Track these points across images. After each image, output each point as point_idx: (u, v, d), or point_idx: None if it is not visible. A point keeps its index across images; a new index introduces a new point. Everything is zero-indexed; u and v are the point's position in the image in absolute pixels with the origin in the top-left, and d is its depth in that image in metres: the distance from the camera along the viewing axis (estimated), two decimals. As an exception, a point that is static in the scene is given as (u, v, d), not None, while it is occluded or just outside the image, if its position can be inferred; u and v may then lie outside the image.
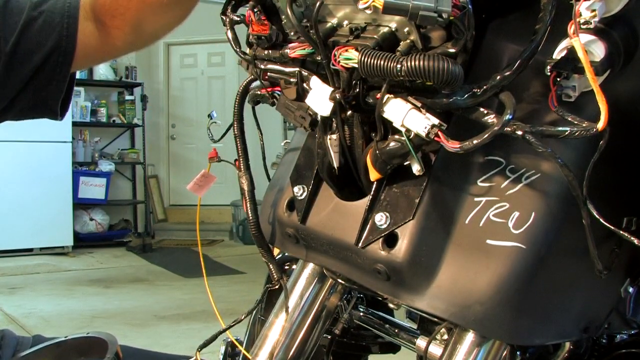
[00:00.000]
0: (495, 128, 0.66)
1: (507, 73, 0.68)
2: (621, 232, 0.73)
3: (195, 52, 9.45)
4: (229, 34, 0.89)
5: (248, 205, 0.99)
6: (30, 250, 7.50)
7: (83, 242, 8.01)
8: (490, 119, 0.69)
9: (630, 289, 0.89)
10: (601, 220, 0.71)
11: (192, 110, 9.42)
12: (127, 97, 8.85)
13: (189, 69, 9.55)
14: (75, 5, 1.14)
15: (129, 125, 8.86)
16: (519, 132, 0.68)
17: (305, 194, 0.92)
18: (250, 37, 0.84)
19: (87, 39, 1.14)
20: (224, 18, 0.90)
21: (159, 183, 9.36)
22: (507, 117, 0.66)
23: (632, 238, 0.73)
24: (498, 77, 0.68)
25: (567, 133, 0.68)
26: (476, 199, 0.78)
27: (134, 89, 8.91)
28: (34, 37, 1.10)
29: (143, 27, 1.17)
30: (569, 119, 0.69)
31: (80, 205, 8.08)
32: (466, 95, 0.69)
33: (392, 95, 0.72)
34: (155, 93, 9.29)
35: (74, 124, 7.97)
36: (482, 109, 0.70)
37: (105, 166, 8.43)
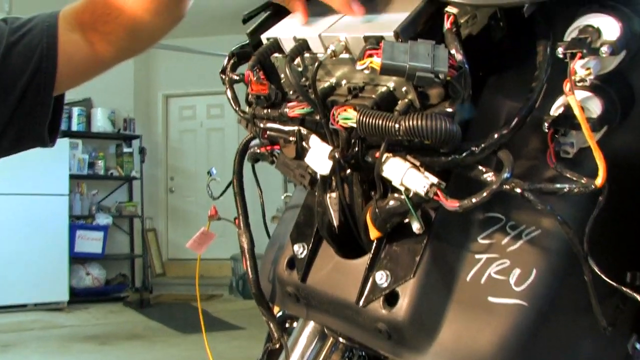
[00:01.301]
0: (494, 186, 0.68)
1: (505, 131, 0.70)
2: (624, 288, 0.74)
3: (194, 104, 9.53)
4: (229, 93, 0.91)
5: (248, 263, 0.99)
6: (25, 306, 7.43)
7: (79, 297, 7.95)
8: (489, 177, 0.71)
9: (638, 345, 0.89)
10: (603, 276, 0.72)
11: (191, 163, 9.46)
12: (125, 150, 8.90)
13: (188, 121, 9.62)
14: (54, 23, 1.09)
15: (126, 178, 8.88)
16: (518, 190, 0.69)
17: (305, 252, 0.93)
18: (250, 96, 0.86)
19: (72, 53, 1.10)
20: (223, 77, 0.92)
21: (157, 236, 9.34)
22: (506, 175, 0.68)
23: (635, 294, 0.73)
24: (496, 136, 0.70)
25: (566, 190, 0.69)
26: (477, 256, 0.79)
27: (132, 141, 8.95)
28: (15, 64, 1.06)
29: (139, 30, 1.11)
30: (568, 176, 0.71)
31: (77, 259, 8.05)
32: (464, 154, 0.71)
33: (390, 154, 0.73)
34: (153, 145, 9.35)
35: (71, 176, 7.99)
36: (480, 167, 0.72)
37: (103, 219, 8.42)
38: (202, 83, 8.59)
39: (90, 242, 8.17)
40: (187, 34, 7.50)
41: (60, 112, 1.16)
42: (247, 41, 0.91)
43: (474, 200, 0.68)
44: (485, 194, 0.68)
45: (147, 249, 9.00)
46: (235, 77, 0.90)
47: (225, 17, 6.63)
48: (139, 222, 8.96)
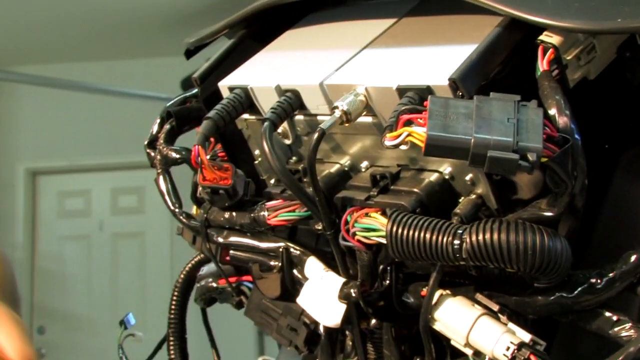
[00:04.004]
0: (633, 349, 0.71)
1: (650, 250, 0.74)
2: None
3: (88, 187, 9.46)
4: (162, 184, 0.96)
5: None
6: None
7: None
8: (625, 331, 0.74)
9: None
10: None
11: (81, 300, 9.40)
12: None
13: (75, 218, 9.57)
14: None
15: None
16: (679, 356, 0.73)
17: None
18: (200, 189, 0.89)
19: None
20: (152, 154, 0.97)
21: None
22: (654, 330, 0.71)
23: None
24: (634, 258, 0.74)
25: None
26: None
27: (-35, 259, 8.95)
28: None
29: None
30: None
31: None
32: (579, 290, 0.75)
33: (447, 292, 0.78)
34: (7, 266, 9.32)
35: None
36: (608, 313, 0.75)
37: None
38: (103, 147, 8.61)
39: None
40: (72, 55, 7.50)
41: None
42: (194, 91, 0.96)
43: (598, 372, 0.71)
44: (619, 361, 0.71)
45: None
46: (175, 156, 0.95)
47: (145, 22, 6.53)
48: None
